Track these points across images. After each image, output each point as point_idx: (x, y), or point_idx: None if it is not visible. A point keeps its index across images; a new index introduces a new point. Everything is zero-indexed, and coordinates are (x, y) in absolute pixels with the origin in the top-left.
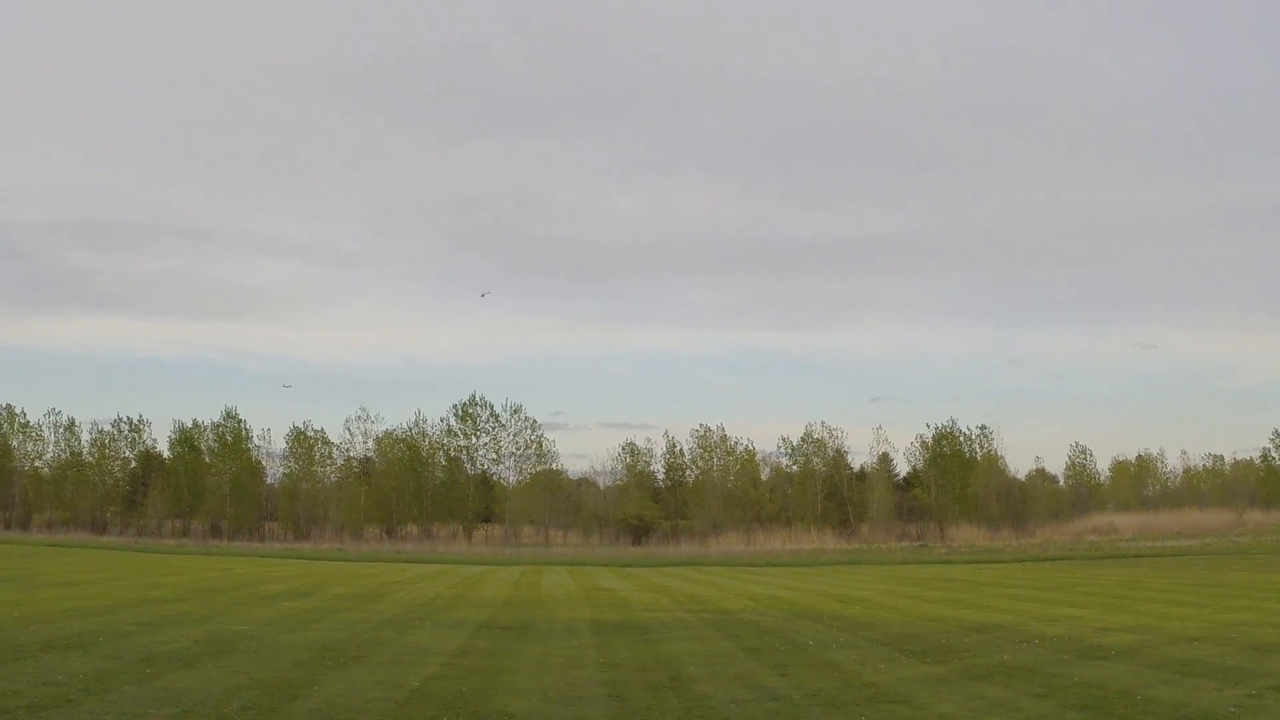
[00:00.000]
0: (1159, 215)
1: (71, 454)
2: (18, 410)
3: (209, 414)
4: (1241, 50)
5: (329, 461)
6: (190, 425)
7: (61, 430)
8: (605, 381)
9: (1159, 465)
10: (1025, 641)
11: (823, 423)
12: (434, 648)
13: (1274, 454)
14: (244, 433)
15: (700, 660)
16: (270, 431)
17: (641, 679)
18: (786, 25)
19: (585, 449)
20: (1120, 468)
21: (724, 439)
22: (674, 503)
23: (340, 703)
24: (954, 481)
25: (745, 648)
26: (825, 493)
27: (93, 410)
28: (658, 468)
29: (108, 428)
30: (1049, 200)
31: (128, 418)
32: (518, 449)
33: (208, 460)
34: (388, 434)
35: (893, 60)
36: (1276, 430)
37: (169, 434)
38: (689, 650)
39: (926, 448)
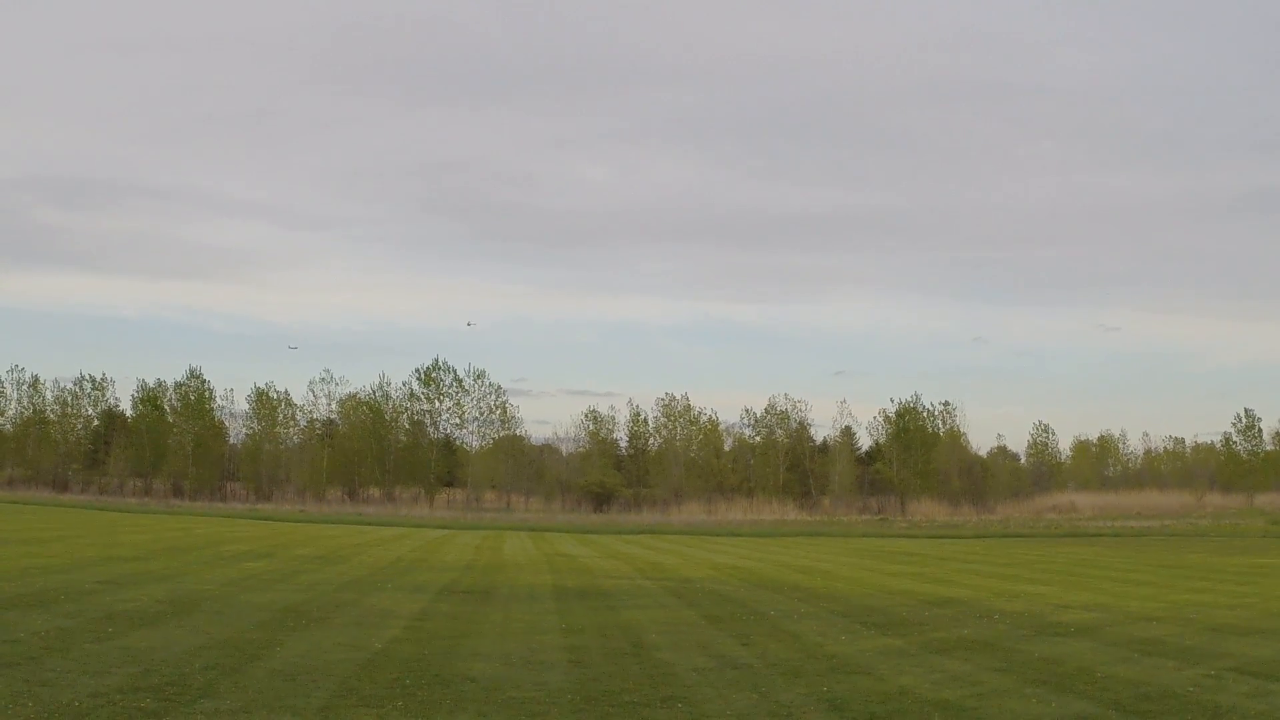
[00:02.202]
0: (1126, 201)
1: (34, 411)
2: None
3: (172, 373)
4: (1209, 39)
5: (292, 423)
6: (153, 384)
7: (24, 387)
8: (570, 349)
9: (1120, 446)
10: (985, 616)
11: (786, 395)
12: (396, 610)
13: (1235, 438)
14: (207, 393)
15: (662, 628)
16: (233, 392)
17: (603, 645)
18: (758, 3)
19: (549, 415)
20: (1081, 447)
21: (688, 408)
22: (636, 471)
23: (303, 664)
24: (916, 456)
25: (707, 616)
26: (787, 464)
27: (56, 368)
28: (621, 436)
29: (71, 385)
30: (1015, 183)
31: (91, 376)
32: (481, 414)
33: (170, 420)
34: (351, 397)
35: (862, 41)
36: (1238, 415)
37: (132, 393)
38: (650, 618)
39: (889, 422)
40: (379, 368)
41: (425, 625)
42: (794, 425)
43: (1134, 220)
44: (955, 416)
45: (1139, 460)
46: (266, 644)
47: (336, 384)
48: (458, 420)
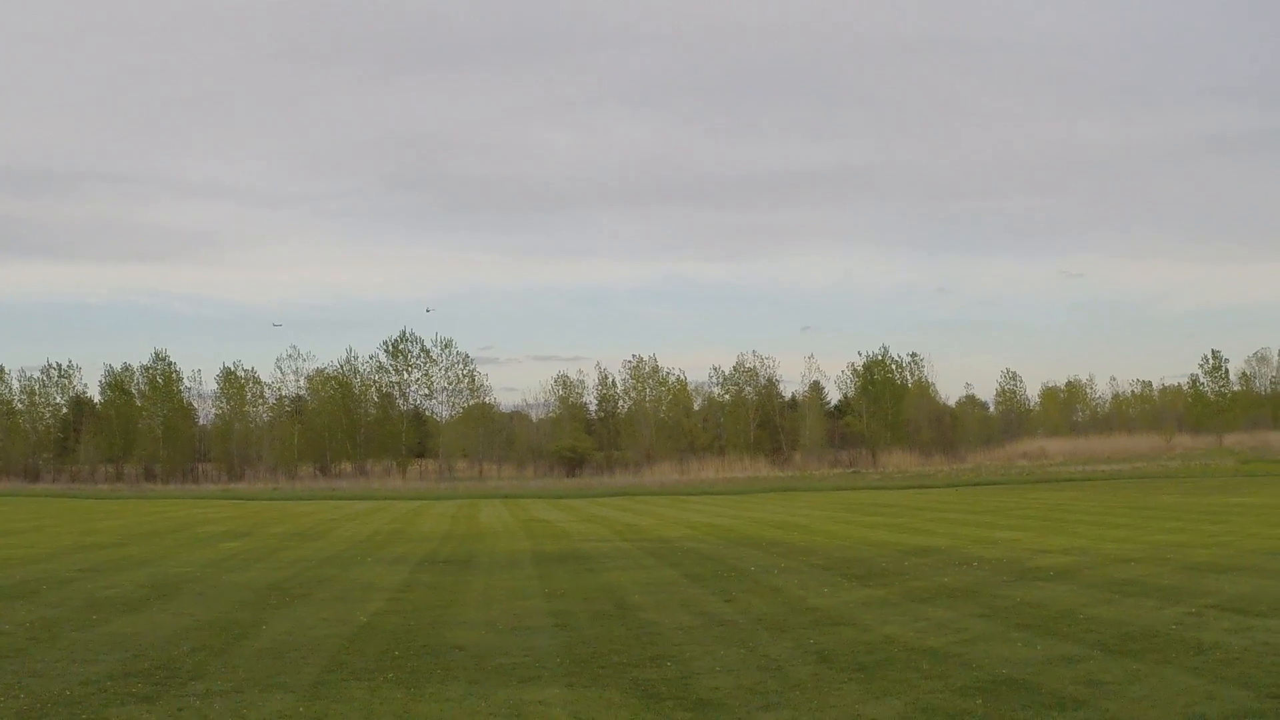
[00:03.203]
0: (1086, 150)
1: (1, 402)
2: None
3: (139, 357)
4: None
5: (261, 401)
6: (120, 369)
7: None
8: (536, 315)
9: (1088, 391)
10: (964, 564)
11: (754, 352)
12: (378, 583)
13: (1202, 380)
14: (174, 374)
15: (644, 588)
16: (201, 373)
17: (587, 608)
18: None
19: (517, 382)
20: (1050, 394)
21: (655, 370)
22: (607, 434)
23: (290, 640)
24: (885, 409)
25: (688, 575)
26: (758, 421)
27: (21, 358)
28: (590, 399)
29: (37, 374)
30: (977, 135)
31: (57, 364)
32: (449, 383)
33: (139, 403)
34: (319, 372)
35: None
36: (1205, 356)
37: (99, 378)
38: (632, 579)
39: (858, 375)
40: (346, 342)
41: (409, 596)
42: (763, 382)
43: (1095, 168)
44: (923, 367)
45: (1107, 405)
46: (252, 623)
47: (304, 360)
48: (426, 391)
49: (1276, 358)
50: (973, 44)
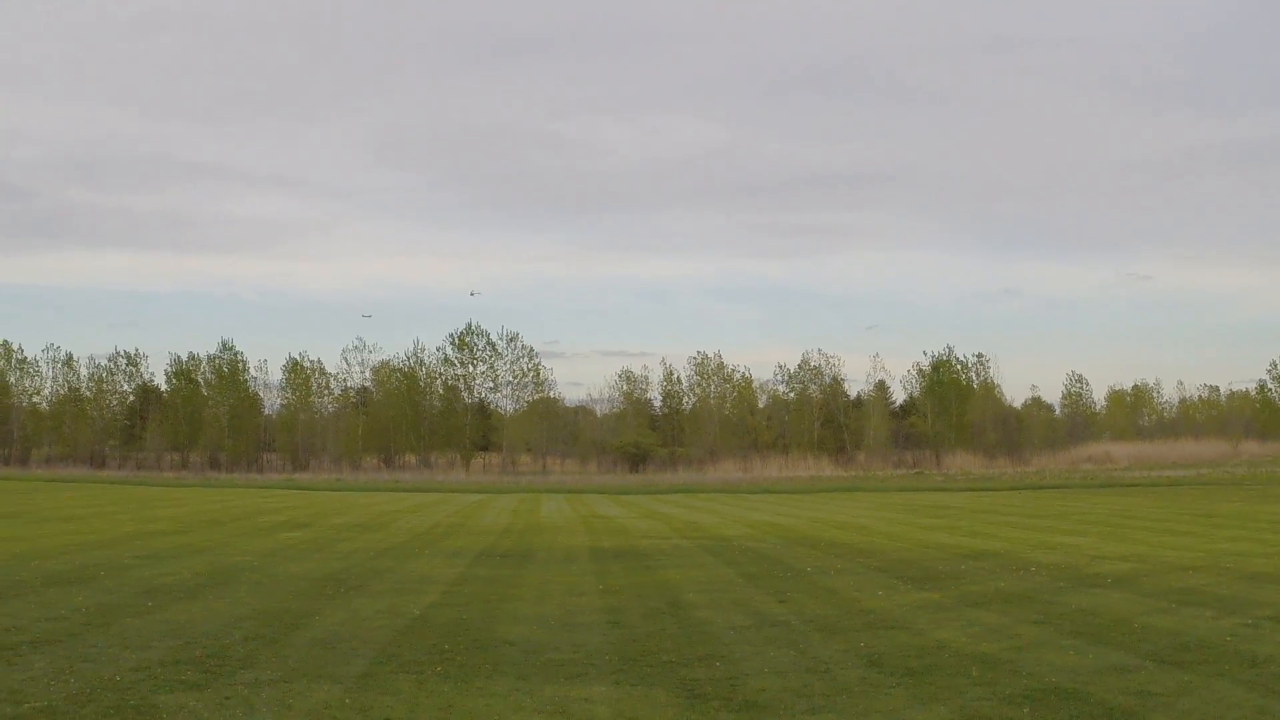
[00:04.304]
0: (1154, 150)
1: (70, 389)
2: (15, 346)
3: (205, 347)
4: None
5: (326, 392)
6: (186, 358)
7: (59, 365)
8: (602, 310)
9: (1155, 395)
10: (1021, 569)
11: (819, 350)
12: (434, 576)
13: (1270, 385)
14: (240, 364)
15: (699, 587)
16: (267, 363)
17: (641, 605)
18: None
19: (582, 377)
20: (1116, 397)
21: (720, 366)
22: (671, 430)
23: (342, 631)
24: (950, 409)
25: (743, 574)
26: (822, 420)
27: (90, 345)
28: (654, 395)
29: (105, 362)
30: (1042, 135)
31: (125, 352)
32: (514, 377)
33: (205, 393)
34: (384, 364)
35: None
36: (1273, 362)
37: (166, 367)
38: (687, 577)
39: (923, 375)
40: (412, 335)
41: (463, 590)
42: (828, 380)
43: (1162, 169)
44: (989, 368)
45: (1174, 409)
46: (305, 613)
47: (370, 351)
48: (491, 384)
49: None
50: (1041, 42)
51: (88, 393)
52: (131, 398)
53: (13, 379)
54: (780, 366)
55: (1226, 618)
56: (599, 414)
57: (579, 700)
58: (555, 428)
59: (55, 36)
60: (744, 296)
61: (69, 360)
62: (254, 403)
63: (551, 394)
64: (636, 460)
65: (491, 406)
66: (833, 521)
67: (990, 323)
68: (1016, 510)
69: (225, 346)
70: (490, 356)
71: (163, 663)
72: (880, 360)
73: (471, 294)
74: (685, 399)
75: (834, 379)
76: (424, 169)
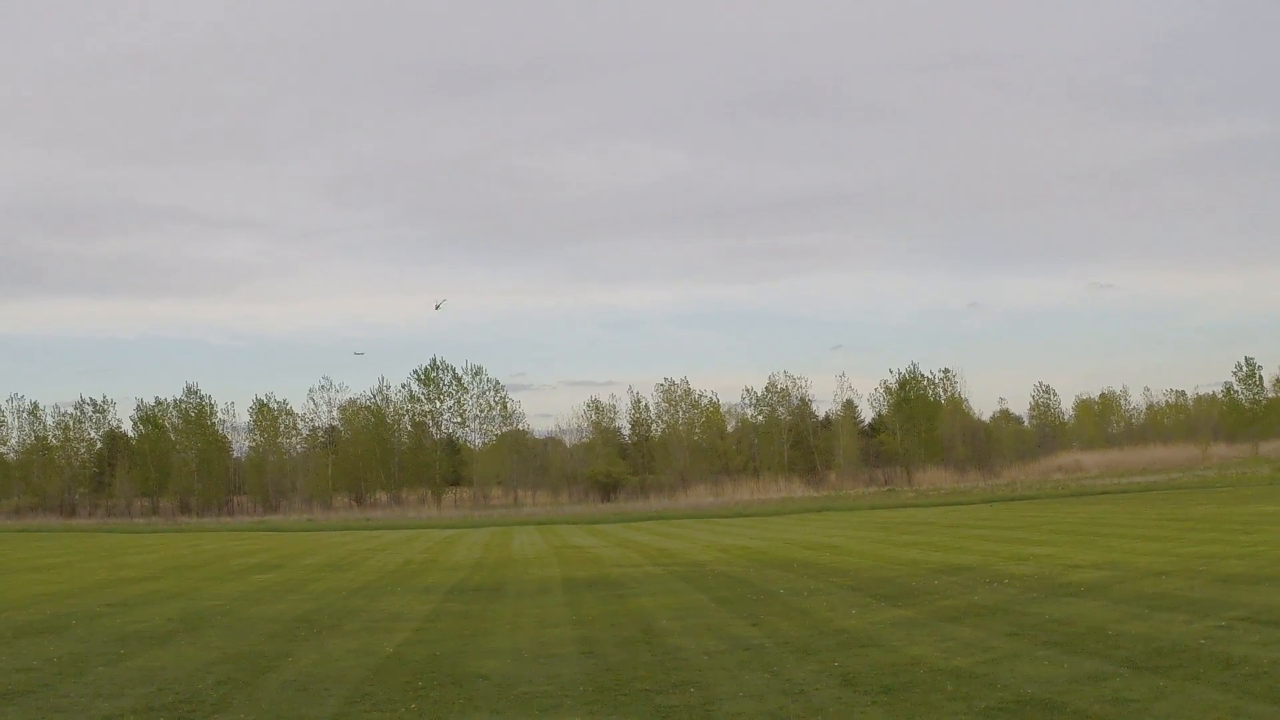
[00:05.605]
0: (1110, 159)
1: (36, 438)
2: None
3: (172, 391)
4: None
5: (294, 433)
6: (153, 403)
7: (25, 415)
8: (567, 341)
9: (1122, 403)
10: (995, 581)
11: (786, 372)
12: (406, 613)
13: (1236, 388)
14: (207, 408)
15: (672, 613)
16: (234, 405)
17: (614, 634)
18: None
19: (550, 408)
20: (1084, 406)
21: (688, 392)
22: (641, 458)
23: (315, 672)
24: (919, 426)
25: (716, 599)
26: (791, 442)
27: (55, 394)
28: (623, 424)
29: (72, 410)
30: (1000, 148)
31: (91, 399)
32: (481, 411)
33: (173, 437)
34: (351, 402)
35: (838, 16)
36: (1238, 364)
37: (132, 413)
38: (660, 604)
39: (891, 393)
40: (377, 372)
41: (436, 626)
42: (795, 402)
43: (1119, 178)
44: (956, 383)
45: (1142, 415)
46: (278, 655)
47: (336, 390)
48: (459, 419)
49: None
50: (994, 58)
51: (55, 441)
52: (99, 445)
53: None
54: (748, 390)
55: (1200, 621)
56: (568, 444)
57: None
58: (525, 460)
59: (11, 80)
60: (709, 322)
61: (34, 409)
62: (222, 446)
63: (520, 426)
64: (608, 489)
65: (460, 441)
66: (805, 542)
67: (956, 338)
68: (988, 523)
69: (190, 391)
70: (456, 391)
71: (135, 710)
72: (847, 380)
73: (436, 307)
74: (654, 426)
75: (801, 400)
76: (386, 205)
